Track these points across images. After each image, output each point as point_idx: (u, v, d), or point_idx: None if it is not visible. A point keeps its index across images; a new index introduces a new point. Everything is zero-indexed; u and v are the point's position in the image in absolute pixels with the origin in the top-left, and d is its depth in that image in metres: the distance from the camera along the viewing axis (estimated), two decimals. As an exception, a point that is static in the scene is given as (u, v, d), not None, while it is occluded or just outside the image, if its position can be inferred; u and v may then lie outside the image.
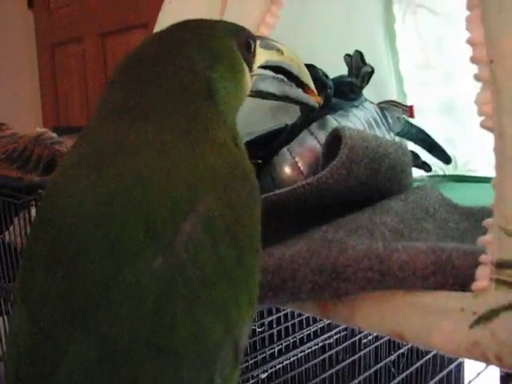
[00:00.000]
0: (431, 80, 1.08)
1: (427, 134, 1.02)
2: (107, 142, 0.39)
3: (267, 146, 0.75)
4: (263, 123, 0.86)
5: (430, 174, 1.07)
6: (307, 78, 0.65)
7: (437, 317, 0.44)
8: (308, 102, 0.67)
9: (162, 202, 0.36)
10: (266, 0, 0.74)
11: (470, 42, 0.45)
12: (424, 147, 1.03)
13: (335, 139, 0.60)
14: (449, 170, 1.09)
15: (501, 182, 0.42)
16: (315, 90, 0.66)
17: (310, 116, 0.74)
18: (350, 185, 0.59)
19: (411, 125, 1.01)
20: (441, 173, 1.11)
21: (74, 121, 2.78)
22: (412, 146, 1.07)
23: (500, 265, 0.41)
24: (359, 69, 0.84)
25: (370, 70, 0.84)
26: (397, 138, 1.03)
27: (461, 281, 0.44)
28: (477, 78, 0.44)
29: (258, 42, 0.56)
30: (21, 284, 0.38)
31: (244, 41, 0.53)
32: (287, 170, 0.72)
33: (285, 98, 0.64)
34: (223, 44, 0.50)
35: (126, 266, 0.34)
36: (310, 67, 0.73)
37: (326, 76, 0.75)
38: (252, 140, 0.74)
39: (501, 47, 0.43)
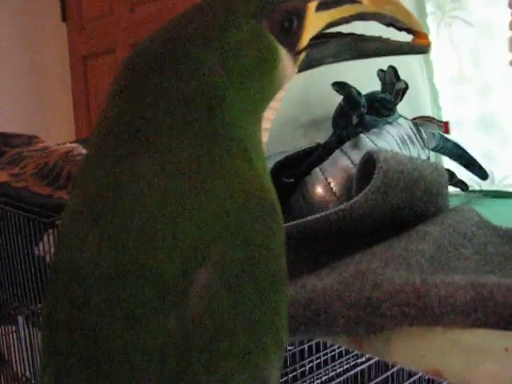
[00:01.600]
0: (467, 94, 1.06)
1: (463, 149, 0.99)
2: (105, 185, 0.36)
3: (299, 166, 0.74)
4: (295, 141, 0.84)
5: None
6: (409, 20, 0.50)
7: (479, 356, 0.41)
8: (406, 50, 0.53)
9: (170, 258, 0.33)
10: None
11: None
12: (460, 163, 1.01)
13: (369, 162, 0.58)
14: (486, 185, 1.06)
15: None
16: (424, 32, 0.51)
17: (342, 135, 0.72)
18: (384, 210, 0.56)
19: (447, 140, 0.98)
20: (478, 188, 1.08)
21: (105, 132, 2.79)
22: (448, 162, 1.05)
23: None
24: (393, 84, 0.82)
25: (404, 85, 0.82)
26: (432, 153, 1.00)
27: (504, 319, 0.41)
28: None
29: (311, 6, 0.45)
30: (44, 350, 0.37)
31: (280, 18, 0.43)
32: (319, 190, 0.70)
33: (361, 55, 0.50)
34: (241, 32, 0.40)
35: (142, 329, 0.32)
36: (343, 85, 0.72)
37: (360, 94, 0.73)
38: (284, 159, 0.72)
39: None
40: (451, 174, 0.89)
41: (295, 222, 0.53)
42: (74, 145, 1.21)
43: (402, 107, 0.88)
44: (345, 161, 0.70)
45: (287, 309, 0.39)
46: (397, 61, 0.87)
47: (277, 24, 0.42)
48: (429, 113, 1.05)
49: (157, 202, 0.35)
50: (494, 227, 0.69)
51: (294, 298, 0.46)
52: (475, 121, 1.06)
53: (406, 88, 0.83)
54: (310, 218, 0.54)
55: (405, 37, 0.52)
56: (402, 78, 0.85)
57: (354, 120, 0.70)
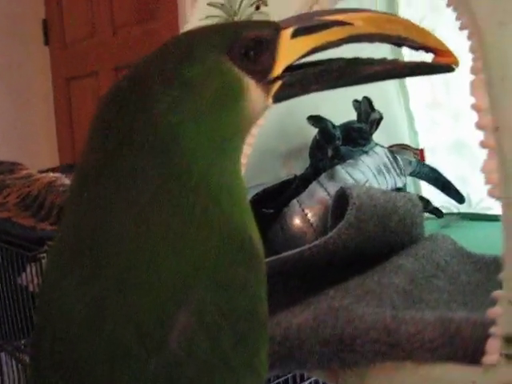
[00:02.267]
0: (441, 119, 1.08)
1: (440, 174, 1.01)
2: (84, 227, 0.37)
3: (278, 197, 0.75)
4: (275, 170, 0.86)
5: (444, 212, 1.06)
6: (424, 38, 0.45)
7: (448, 390, 0.43)
8: (423, 71, 0.47)
9: (148, 303, 0.34)
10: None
11: (474, 107, 0.45)
12: (437, 186, 1.03)
13: (343, 197, 0.59)
14: (463, 208, 1.08)
15: (510, 254, 0.41)
16: (446, 47, 0.45)
17: (319, 167, 0.73)
18: (359, 243, 0.58)
19: (423, 165, 1.00)
20: (455, 211, 1.10)
21: (89, 155, 2.79)
22: (426, 186, 1.07)
23: (509, 339, 0.40)
24: (368, 115, 0.84)
25: (378, 116, 0.84)
26: (410, 178, 1.02)
27: (470, 353, 0.43)
28: (482, 145, 0.44)
29: (284, 33, 0.42)
30: None
31: (241, 48, 0.40)
32: (297, 221, 0.71)
33: (357, 81, 0.45)
34: (199, 66, 0.39)
35: (124, 372, 0.33)
36: (318, 119, 0.73)
37: (334, 127, 0.75)
38: (262, 191, 0.74)
39: (506, 115, 0.42)
40: (426, 202, 0.91)
41: (270, 258, 0.54)
42: (56, 175, 1.22)
43: (380, 133, 0.90)
44: (321, 193, 0.71)
45: (267, 348, 0.40)
46: (374, 87, 0.89)
47: (239, 54, 0.40)
48: (406, 138, 1.07)
49: (131, 249, 0.35)
50: (468, 254, 0.71)
51: (269, 335, 0.48)
52: (449, 145, 1.08)
53: (381, 118, 0.85)
54: (284, 254, 0.56)
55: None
56: (378, 104, 0.87)
57: (330, 152, 0.72)
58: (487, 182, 0.43)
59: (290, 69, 0.43)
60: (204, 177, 0.37)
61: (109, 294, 0.35)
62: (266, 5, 0.66)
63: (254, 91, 0.41)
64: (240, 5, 0.68)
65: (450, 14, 0.50)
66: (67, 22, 2.97)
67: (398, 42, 0.45)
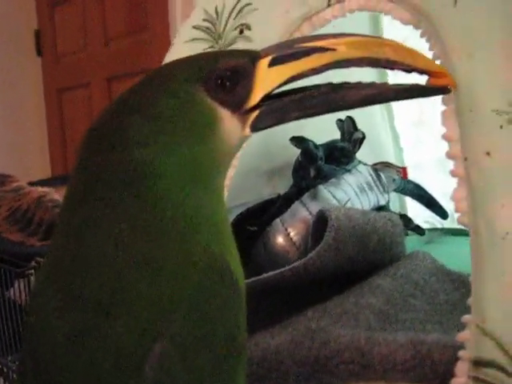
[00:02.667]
0: (426, 137, 1.10)
1: (424, 190, 1.03)
2: (67, 255, 0.38)
3: (261, 216, 0.77)
4: (258, 189, 0.87)
5: (428, 227, 1.08)
6: (414, 60, 0.44)
7: (418, 411, 0.44)
8: (415, 94, 0.46)
9: (126, 331, 0.35)
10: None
11: (445, 137, 0.46)
12: (421, 202, 1.04)
13: (322, 219, 0.61)
14: (447, 223, 1.10)
15: (477, 280, 0.43)
16: (440, 68, 0.45)
17: (301, 186, 0.75)
18: (338, 263, 0.59)
19: (408, 181, 1.02)
20: (439, 226, 1.12)
21: (81, 165, 2.80)
22: (411, 202, 1.09)
23: (477, 363, 0.41)
24: (351, 134, 0.86)
25: (361, 136, 0.86)
26: (395, 194, 1.04)
27: (440, 376, 0.44)
28: (453, 174, 0.45)
29: (261, 62, 0.42)
30: None
31: (215, 79, 0.41)
32: (280, 240, 0.73)
33: (343, 106, 0.44)
34: (172, 98, 0.40)
35: None
36: (300, 140, 0.75)
37: (317, 146, 0.77)
38: (246, 211, 0.75)
39: (474, 146, 0.44)
40: (408, 220, 0.92)
41: (251, 279, 0.56)
42: (46, 189, 1.23)
43: (365, 150, 0.92)
44: (304, 212, 0.73)
45: (244, 373, 0.40)
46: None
47: (214, 85, 0.40)
48: (391, 155, 1.09)
49: (109, 278, 0.36)
50: (447, 272, 0.72)
51: (248, 356, 0.49)
52: (434, 162, 1.10)
53: (363, 138, 0.87)
54: (265, 275, 0.57)
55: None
56: (363, 122, 0.89)
57: (312, 172, 0.73)
58: (456, 209, 0.45)
59: (269, 98, 0.42)
60: (179, 208, 0.37)
61: (88, 322, 0.36)
62: (250, 29, 0.67)
63: (228, 122, 0.41)
64: (224, 28, 0.70)
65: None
66: (60, 33, 2.99)
67: (387, 65, 0.44)
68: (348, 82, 0.43)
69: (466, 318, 0.43)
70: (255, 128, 0.42)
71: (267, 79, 0.42)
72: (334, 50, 0.42)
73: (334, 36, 0.43)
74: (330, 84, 0.43)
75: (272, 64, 0.42)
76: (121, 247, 0.37)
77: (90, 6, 2.76)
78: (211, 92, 0.40)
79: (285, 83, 0.42)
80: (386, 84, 0.44)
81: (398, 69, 0.43)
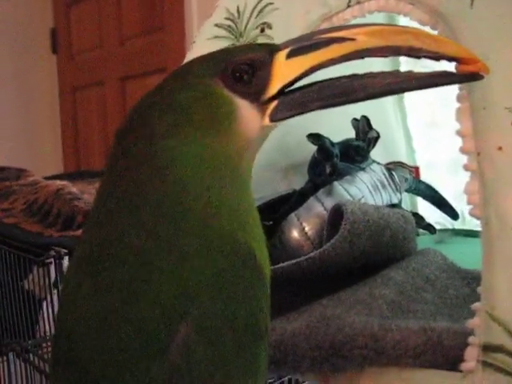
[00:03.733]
0: (439, 137, 1.11)
1: (435, 190, 1.05)
2: (98, 243, 0.40)
3: (277, 210, 0.78)
4: (274, 184, 0.89)
5: (438, 228, 1.09)
6: (440, 47, 0.42)
7: (429, 394, 0.46)
8: (443, 82, 0.43)
9: (153, 313, 0.36)
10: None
11: (459, 133, 0.48)
12: (432, 203, 1.06)
13: (338, 213, 0.63)
14: (457, 224, 1.11)
15: (488, 270, 0.45)
16: (470, 54, 0.42)
17: (317, 182, 0.77)
18: (352, 256, 0.61)
19: (419, 181, 1.04)
20: (450, 227, 1.13)
21: (93, 163, 2.83)
22: (423, 202, 1.11)
23: (486, 348, 0.43)
24: (366, 133, 0.87)
25: (375, 135, 0.88)
26: (407, 194, 1.06)
27: (450, 360, 0.46)
28: (466, 168, 0.47)
29: (279, 54, 0.43)
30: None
31: (231, 71, 0.42)
32: (295, 234, 0.74)
33: (365, 96, 0.42)
34: (190, 92, 0.41)
35: (128, 374, 0.36)
36: (317, 137, 0.77)
37: (333, 144, 0.78)
38: (262, 205, 0.77)
39: (487, 142, 0.46)
40: (420, 218, 0.94)
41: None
42: (64, 183, 1.26)
43: (378, 150, 0.93)
44: (319, 207, 0.74)
45: (267, 357, 0.41)
46: (372, 106, 0.93)
47: (231, 77, 0.42)
48: (403, 155, 1.11)
49: (135, 262, 0.38)
50: (457, 270, 0.74)
51: (266, 340, 0.51)
52: (447, 163, 1.11)
53: (378, 137, 0.89)
54: (282, 264, 0.59)
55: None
56: (376, 122, 0.91)
57: (328, 169, 0.75)
58: (469, 202, 0.47)
59: (288, 89, 0.43)
60: (201, 196, 0.39)
61: (116, 305, 0.37)
62: (271, 28, 0.69)
63: (246, 112, 0.42)
64: (246, 27, 0.72)
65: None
66: (75, 32, 3.02)
67: (411, 53, 0.42)
68: (368, 72, 0.43)
69: (476, 305, 0.45)
70: (274, 118, 0.43)
71: (285, 70, 0.43)
72: (353, 39, 0.41)
73: (353, 26, 0.43)
74: (351, 75, 0.43)
75: (290, 55, 0.43)
76: (146, 232, 0.38)
77: (105, 5, 2.79)
78: (229, 84, 0.42)
79: (304, 74, 0.43)
80: (410, 72, 0.43)
81: (424, 57, 0.42)
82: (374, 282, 0.59)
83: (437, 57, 0.42)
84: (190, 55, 0.76)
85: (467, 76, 0.43)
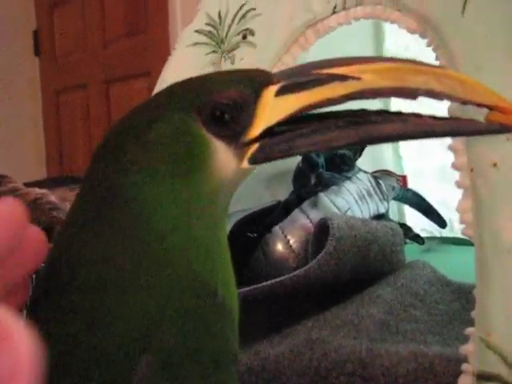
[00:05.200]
0: (426, 145, 1.10)
1: (423, 198, 1.03)
2: (60, 261, 0.38)
3: (261, 222, 0.76)
4: (257, 194, 0.87)
5: (426, 236, 1.07)
6: (466, 92, 0.36)
7: (420, 424, 0.44)
8: (464, 131, 0.37)
9: (114, 343, 0.34)
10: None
11: (450, 147, 0.46)
12: (420, 211, 1.04)
13: (323, 227, 0.60)
14: (445, 232, 1.10)
15: (482, 293, 0.42)
16: (503, 104, 0.35)
17: (301, 193, 0.74)
18: (338, 272, 0.59)
19: (407, 189, 1.02)
20: (438, 235, 1.12)
21: (77, 167, 2.80)
22: (409, 210, 1.09)
23: (481, 376, 0.41)
24: (352, 142, 0.85)
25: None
26: (394, 202, 1.04)
27: (443, 389, 0.44)
28: (458, 185, 0.45)
29: (267, 91, 0.38)
30: None
31: (209, 109, 0.37)
32: (279, 247, 0.72)
33: (368, 141, 0.37)
34: (165, 125, 0.38)
35: None
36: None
37: (318, 154, 0.76)
38: (246, 217, 0.75)
39: (481, 157, 0.43)
40: (408, 229, 0.92)
41: (251, 287, 0.55)
42: (43, 191, 1.22)
43: (364, 158, 0.92)
44: (303, 219, 0.72)
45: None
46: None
47: (208, 116, 0.37)
48: (390, 163, 1.09)
49: (100, 289, 0.36)
50: (447, 282, 0.72)
51: (247, 365, 0.48)
52: (434, 171, 1.10)
53: (365, 146, 0.87)
54: (265, 283, 0.57)
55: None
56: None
57: (312, 180, 0.73)
58: (461, 221, 0.44)
59: (280, 125, 0.38)
60: (166, 235, 0.37)
61: (79, 333, 0.35)
62: (253, 34, 0.67)
63: (222, 155, 0.38)
64: (227, 33, 0.69)
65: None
66: (58, 34, 2.99)
67: (430, 97, 0.36)
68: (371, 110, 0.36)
69: (469, 330, 0.43)
70: (254, 161, 0.38)
71: (272, 110, 0.38)
72: (357, 78, 0.35)
73: (360, 61, 0.36)
74: (352, 114, 0.36)
75: (280, 93, 0.37)
76: (109, 263, 0.36)
77: (89, 7, 2.77)
78: (206, 122, 0.37)
79: (293, 115, 0.37)
80: (425, 118, 0.36)
81: (447, 100, 0.36)
82: (362, 301, 0.57)
83: (463, 102, 0.36)
84: (170, 62, 0.74)
85: (499, 127, 0.36)
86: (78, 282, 0.36)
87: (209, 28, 0.70)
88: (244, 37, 0.68)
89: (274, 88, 0.37)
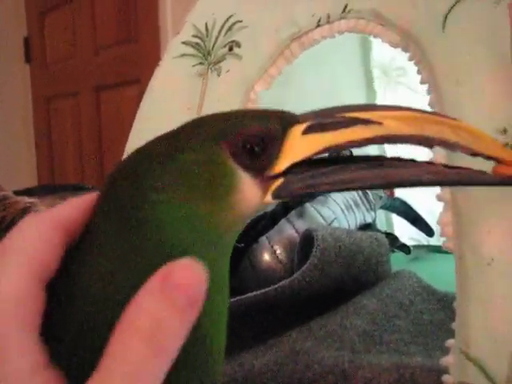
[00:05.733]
0: (413, 153, 1.10)
1: (410, 207, 1.04)
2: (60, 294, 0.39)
3: (248, 232, 0.76)
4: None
5: (414, 244, 1.08)
6: (477, 144, 0.39)
7: None
8: (474, 181, 0.38)
9: None
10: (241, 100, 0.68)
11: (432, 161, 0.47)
12: (407, 219, 1.05)
13: (308, 239, 0.61)
14: (433, 240, 1.10)
15: (462, 306, 0.43)
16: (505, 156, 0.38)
17: (288, 204, 0.75)
18: (323, 283, 0.59)
19: (394, 198, 1.03)
20: (425, 243, 1.12)
21: (68, 174, 2.80)
22: (397, 219, 1.09)
23: (461, 388, 0.41)
24: (339, 151, 0.86)
25: (348, 153, 0.86)
26: (381, 212, 1.04)
27: (424, 400, 0.44)
28: (438, 198, 0.46)
29: (295, 129, 0.39)
30: None
31: (238, 142, 0.38)
32: (266, 257, 0.73)
33: (389, 184, 0.38)
34: (195, 154, 0.39)
35: None
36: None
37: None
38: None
39: (460, 170, 0.44)
40: (394, 239, 0.93)
41: (236, 298, 0.55)
42: (32, 200, 1.22)
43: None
44: (290, 230, 0.73)
45: None
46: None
47: (236, 148, 0.38)
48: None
49: (94, 306, 0.36)
50: (432, 292, 0.72)
51: (232, 377, 0.49)
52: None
53: (351, 155, 0.87)
54: (250, 294, 0.57)
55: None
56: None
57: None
58: (442, 234, 0.45)
59: (301, 164, 0.38)
60: (177, 257, 0.35)
61: (69, 355, 0.35)
62: (239, 46, 0.67)
63: (248, 187, 0.38)
64: (214, 45, 0.70)
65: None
66: (49, 41, 2.99)
67: (443, 146, 0.38)
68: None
69: (449, 342, 0.43)
70: (277, 196, 0.39)
71: (298, 147, 0.38)
72: (380, 123, 0.37)
73: (383, 108, 0.38)
74: (370, 158, 0.38)
75: (307, 131, 0.38)
76: (110, 284, 0.36)
77: (79, 15, 2.77)
78: (234, 154, 0.38)
79: (317, 153, 0.38)
80: (438, 166, 0.38)
81: (460, 151, 0.38)
82: (346, 312, 0.57)
83: (474, 154, 0.38)
84: (158, 73, 0.74)
85: (505, 180, 0.37)
86: (71, 304, 0.37)
87: (196, 40, 0.71)
88: (230, 49, 0.68)
89: (300, 127, 0.38)
